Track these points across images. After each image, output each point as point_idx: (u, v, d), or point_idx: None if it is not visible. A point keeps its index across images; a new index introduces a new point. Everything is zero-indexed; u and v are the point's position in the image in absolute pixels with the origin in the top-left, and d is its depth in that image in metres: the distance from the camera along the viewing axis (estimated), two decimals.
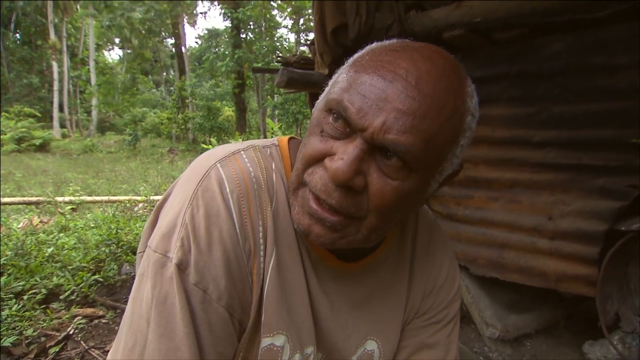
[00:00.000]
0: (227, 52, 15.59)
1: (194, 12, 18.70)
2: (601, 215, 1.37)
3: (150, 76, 27.42)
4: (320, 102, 0.49)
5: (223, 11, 14.73)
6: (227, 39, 16.89)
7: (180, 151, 15.50)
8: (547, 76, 1.43)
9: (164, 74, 32.32)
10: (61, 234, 2.74)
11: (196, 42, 25.17)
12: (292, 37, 19.66)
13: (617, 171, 1.33)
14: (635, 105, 1.26)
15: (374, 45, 0.48)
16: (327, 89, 0.50)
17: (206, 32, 22.31)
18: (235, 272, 0.48)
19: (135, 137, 15.90)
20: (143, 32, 17.87)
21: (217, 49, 21.59)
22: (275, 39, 17.90)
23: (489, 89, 1.58)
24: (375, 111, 0.42)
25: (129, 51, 20.46)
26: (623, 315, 1.43)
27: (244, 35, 16.08)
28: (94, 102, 19.23)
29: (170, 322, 0.45)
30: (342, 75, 0.47)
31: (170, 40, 22.75)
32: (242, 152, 0.53)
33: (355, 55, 0.49)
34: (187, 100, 17.32)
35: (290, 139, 0.58)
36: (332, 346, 0.55)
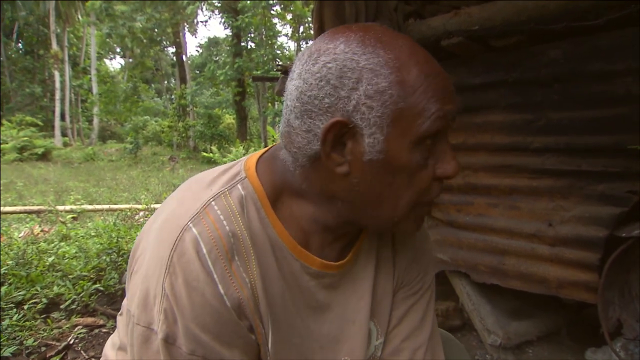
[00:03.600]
0: (227, 61, 15.66)
1: (195, 20, 18.83)
2: (601, 221, 1.37)
3: (151, 85, 27.57)
4: (403, 140, 0.45)
5: (223, 20, 14.85)
6: (227, 48, 16.98)
7: (182, 159, 15.55)
8: (545, 83, 1.44)
9: (165, 82, 32.47)
10: (62, 243, 2.74)
11: (197, 51, 25.32)
12: (292, 45, 19.77)
13: (616, 177, 1.34)
14: (632, 112, 1.27)
15: (362, 48, 0.45)
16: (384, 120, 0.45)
17: (207, 40, 22.49)
18: (229, 330, 0.47)
19: (136, 146, 15.96)
20: (144, 40, 18.00)
21: (217, 57, 21.72)
22: (276, 47, 18.00)
23: (487, 95, 1.59)
24: (452, 98, 0.47)
25: (130, 60, 20.59)
26: (625, 322, 1.42)
27: (244, 44, 16.18)
28: (95, 110, 19.32)
29: None
30: (388, 94, 0.44)
31: (172, 49, 22.89)
32: (213, 203, 0.49)
33: (371, 66, 0.44)
34: (187, 109, 17.39)
35: (258, 161, 0.55)
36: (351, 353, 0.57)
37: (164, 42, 22.43)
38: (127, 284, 0.52)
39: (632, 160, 1.29)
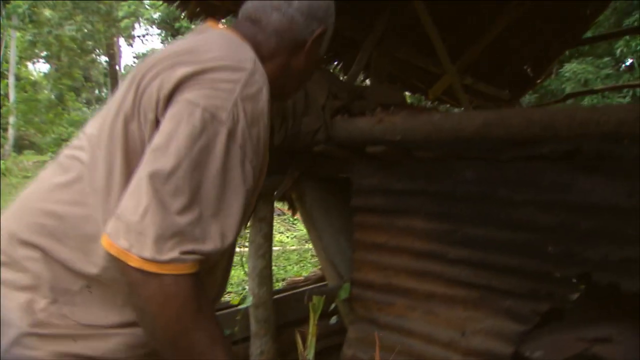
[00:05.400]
0: None
1: (131, 33, 18.06)
2: (507, 336, 1.43)
3: (80, 95, 25.85)
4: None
5: (162, 36, 14.39)
6: None
7: None
8: (460, 199, 1.50)
9: (97, 91, 30.63)
10: None
11: (134, 62, 24.21)
12: None
13: (522, 297, 1.41)
14: (535, 239, 1.36)
15: None
16: None
17: (144, 52, 21.60)
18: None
19: None
20: (75, 47, 16.85)
21: None
22: None
23: (409, 201, 1.63)
24: None
25: (55, 69, 19.18)
26: None
27: None
28: (11, 120, 17.66)
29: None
30: None
31: (105, 57, 21.71)
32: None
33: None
34: None
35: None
36: None
37: (97, 50, 21.23)
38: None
39: (537, 283, 1.37)
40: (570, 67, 9.03)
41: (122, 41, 20.06)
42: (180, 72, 0.68)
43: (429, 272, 1.59)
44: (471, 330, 1.51)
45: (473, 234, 1.49)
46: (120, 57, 19.44)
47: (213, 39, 0.78)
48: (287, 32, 0.85)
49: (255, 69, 0.73)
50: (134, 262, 0.60)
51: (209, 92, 0.66)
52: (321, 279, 2.51)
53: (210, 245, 0.63)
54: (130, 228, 0.60)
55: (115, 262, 0.62)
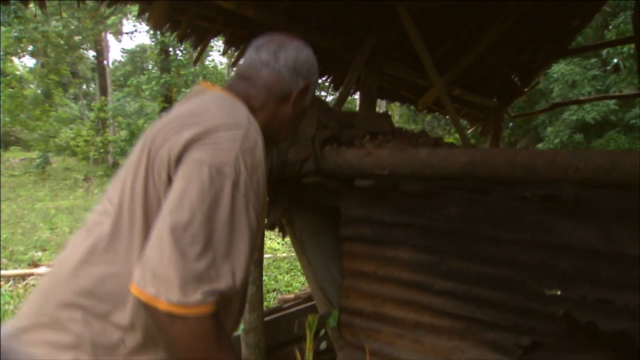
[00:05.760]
0: (153, 75, 14.96)
1: (120, 29, 17.81)
2: None
3: (68, 90, 25.43)
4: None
5: (150, 34, 14.23)
6: (153, 63, 16.25)
7: (98, 177, 14.44)
8: (446, 234, 1.54)
9: (84, 86, 30.20)
10: None
11: (122, 56, 23.90)
12: (224, 59, 19.39)
13: (505, 329, 1.46)
14: (517, 276, 1.40)
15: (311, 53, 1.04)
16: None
17: (133, 47, 21.30)
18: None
19: (45, 160, 14.54)
20: (62, 43, 16.55)
21: (144, 65, 20.67)
22: (207, 62, 17.58)
23: (396, 233, 1.66)
24: None
25: (41, 64, 18.85)
26: None
27: (172, 55, 15.58)
28: None
29: None
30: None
31: (92, 52, 21.37)
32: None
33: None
34: (108, 122, 16.28)
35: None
36: None
37: (86, 45, 20.89)
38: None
39: (520, 317, 1.42)
40: (558, 68, 9.14)
41: (110, 37, 19.76)
42: (187, 135, 0.79)
43: (415, 302, 1.63)
44: (456, 359, 1.55)
45: (458, 267, 1.53)
46: (108, 52, 19.15)
47: (211, 102, 0.89)
48: (275, 85, 0.98)
49: (250, 125, 0.84)
50: (163, 306, 0.68)
51: (213, 151, 0.77)
52: (311, 296, 2.54)
53: (224, 283, 0.72)
54: (157, 276, 0.69)
55: (144, 308, 0.71)
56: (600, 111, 8.82)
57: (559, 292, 1.32)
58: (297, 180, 1.79)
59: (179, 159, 0.78)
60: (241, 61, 1.03)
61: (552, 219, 1.31)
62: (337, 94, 2.67)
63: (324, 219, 2.00)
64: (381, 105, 11.50)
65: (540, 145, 10.38)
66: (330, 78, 3.06)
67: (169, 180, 0.79)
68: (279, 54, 0.98)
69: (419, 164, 1.53)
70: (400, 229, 1.65)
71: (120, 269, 0.79)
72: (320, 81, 3.10)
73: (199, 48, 2.36)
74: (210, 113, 0.83)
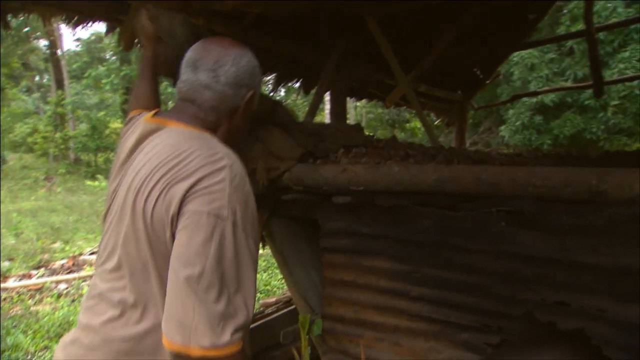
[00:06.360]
0: (112, 67, 14.38)
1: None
2: None
3: (19, 82, 24.07)
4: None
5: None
6: (111, 53, 15.59)
7: (60, 175, 13.89)
8: (420, 244, 1.65)
9: (37, 77, 28.67)
10: None
11: (76, 46, 22.75)
12: None
13: (476, 330, 1.59)
14: (486, 281, 1.53)
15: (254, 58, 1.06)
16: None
17: (91, 37, 20.33)
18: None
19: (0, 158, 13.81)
20: (11, 33, 15.62)
21: (101, 55, 19.80)
22: None
23: (374, 244, 1.76)
24: None
25: None
26: None
27: None
28: None
29: None
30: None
31: (44, 41, 20.25)
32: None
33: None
34: (67, 116, 15.60)
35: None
36: None
37: (37, 34, 19.76)
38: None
39: (489, 319, 1.55)
40: (518, 53, 9.43)
41: (62, 25, 18.75)
42: (178, 191, 0.83)
43: (393, 307, 1.74)
44: (433, 359, 1.68)
45: (432, 274, 1.64)
46: (61, 42, 18.22)
47: (182, 145, 0.91)
48: (221, 104, 1.00)
49: (229, 159, 0.89)
50: (196, 352, 0.74)
51: (208, 199, 0.82)
52: (291, 300, 2.63)
53: (241, 316, 0.80)
54: (184, 325, 0.75)
55: (179, 358, 0.77)
56: (558, 93, 9.22)
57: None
58: (276, 195, 1.85)
59: (178, 214, 0.83)
60: (180, 80, 1.02)
61: (515, 231, 1.44)
62: (308, 101, 2.71)
63: (303, 228, 2.08)
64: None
65: (502, 127, 10.77)
66: (300, 82, 3.10)
67: (173, 235, 0.84)
68: (219, 73, 0.97)
69: (392, 181, 1.62)
70: (377, 240, 1.74)
71: (151, 325, 0.85)
72: (290, 85, 3.13)
73: None
74: (190, 162, 0.86)
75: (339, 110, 2.82)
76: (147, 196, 0.85)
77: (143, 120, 1.03)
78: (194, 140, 0.92)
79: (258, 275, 4.70)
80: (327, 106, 7.19)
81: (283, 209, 1.97)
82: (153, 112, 1.06)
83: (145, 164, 0.90)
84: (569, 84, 9.31)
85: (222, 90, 0.98)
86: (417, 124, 13.29)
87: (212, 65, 0.97)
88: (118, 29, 2.05)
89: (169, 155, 0.88)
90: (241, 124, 1.06)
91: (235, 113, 1.03)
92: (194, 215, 0.80)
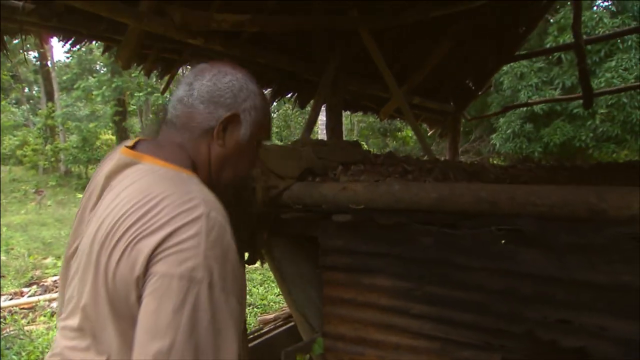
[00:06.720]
0: (104, 79, 14.32)
1: None
2: None
3: (9, 95, 23.85)
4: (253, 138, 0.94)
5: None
6: (103, 64, 15.55)
7: (50, 188, 13.76)
8: (420, 262, 1.65)
9: (27, 89, 28.45)
10: None
11: (67, 58, 22.64)
12: None
13: (478, 348, 1.59)
14: (487, 299, 1.53)
15: (250, 79, 0.92)
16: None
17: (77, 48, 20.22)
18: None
19: None
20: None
21: (91, 66, 19.72)
22: None
23: (374, 262, 1.76)
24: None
25: None
26: None
27: None
28: None
29: None
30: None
31: (34, 53, 20.14)
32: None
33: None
34: (57, 129, 15.48)
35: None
36: None
37: (27, 46, 19.65)
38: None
39: (490, 337, 1.55)
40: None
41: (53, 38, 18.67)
42: (145, 248, 0.70)
43: (394, 325, 1.74)
44: None
45: (433, 292, 1.64)
46: (52, 53, 18.14)
47: (153, 190, 0.76)
48: (190, 121, 0.87)
49: (208, 209, 0.74)
50: None
51: (179, 257, 0.69)
52: (290, 316, 2.62)
53: None
54: None
55: None
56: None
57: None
58: (276, 214, 1.85)
59: (144, 276, 0.70)
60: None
61: (515, 249, 1.45)
62: (300, 112, 2.72)
63: (302, 246, 2.07)
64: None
65: (493, 136, 10.90)
66: (296, 96, 3.11)
67: (139, 298, 0.71)
68: (194, 85, 0.87)
69: (392, 199, 1.63)
70: (377, 258, 1.74)
71: None
72: (287, 97, 3.15)
73: (165, 78, 2.34)
74: (160, 211, 0.72)
75: (334, 124, 2.83)
76: (111, 252, 0.73)
77: (120, 151, 0.89)
78: (167, 182, 0.78)
79: (255, 290, 4.70)
80: (320, 118, 7.23)
81: (282, 228, 1.97)
82: (134, 140, 0.93)
83: (112, 211, 0.77)
84: (557, 92, 9.46)
85: (191, 104, 0.86)
86: (409, 132, 13.41)
87: (191, 79, 0.88)
88: (115, 49, 2.05)
89: (137, 202, 0.74)
90: (221, 155, 0.89)
91: (211, 137, 0.87)
92: (163, 278, 0.68)
